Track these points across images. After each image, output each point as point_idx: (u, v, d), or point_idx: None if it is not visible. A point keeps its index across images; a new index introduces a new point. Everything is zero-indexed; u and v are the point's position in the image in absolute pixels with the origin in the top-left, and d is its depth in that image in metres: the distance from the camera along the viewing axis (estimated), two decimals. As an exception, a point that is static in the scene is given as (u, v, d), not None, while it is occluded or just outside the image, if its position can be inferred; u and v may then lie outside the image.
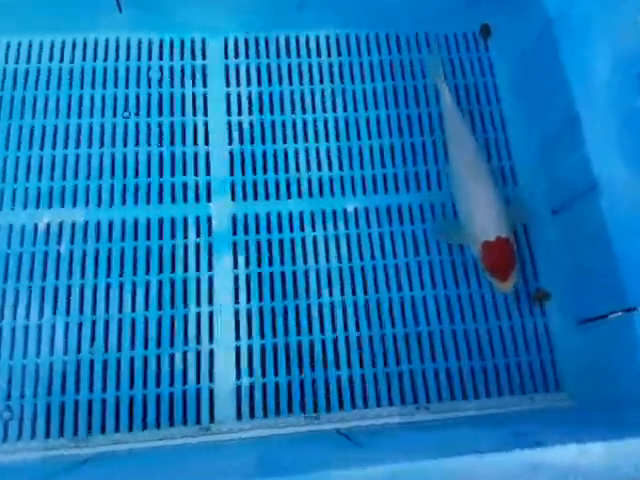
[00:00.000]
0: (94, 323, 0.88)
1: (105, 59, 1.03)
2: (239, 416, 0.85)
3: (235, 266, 0.93)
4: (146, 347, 0.88)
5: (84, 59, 1.03)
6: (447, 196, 0.99)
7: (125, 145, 0.98)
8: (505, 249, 0.87)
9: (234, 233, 0.95)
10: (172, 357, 0.87)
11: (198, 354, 0.88)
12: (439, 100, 1.02)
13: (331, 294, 0.93)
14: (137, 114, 1.00)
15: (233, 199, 0.98)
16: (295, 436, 0.78)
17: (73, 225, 0.93)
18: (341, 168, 1.01)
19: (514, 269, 0.87)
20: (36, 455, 0.81)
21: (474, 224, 0.89)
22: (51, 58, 1.02)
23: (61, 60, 1.02)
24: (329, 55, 1.08)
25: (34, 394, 0.84)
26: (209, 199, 0.97)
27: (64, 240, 0.92)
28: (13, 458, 0.81)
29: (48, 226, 0.92)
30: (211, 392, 0.86)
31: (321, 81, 1.06)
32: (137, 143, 0.99)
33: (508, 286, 0.87)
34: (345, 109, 1.04)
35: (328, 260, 0.95)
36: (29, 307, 0.88)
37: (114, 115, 1.00)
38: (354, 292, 0.93)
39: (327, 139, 1.02)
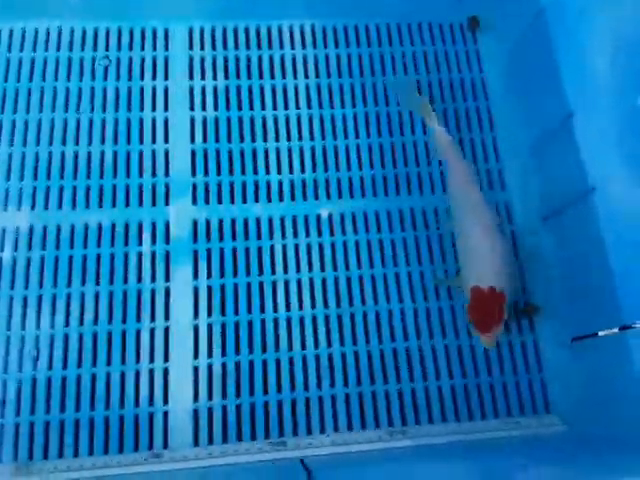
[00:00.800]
0: (37, 338, 0.80)
1: (58, 49, 0.94)
2: (196, 442, 0.77)
3: (195, 276, 0.85)
4: (94, 365, 0.79)
5: (34, 49, 0.94)
6: (428, 202, 0.91)
7: (77, 143, 0.90)
8: (492, 300, 0.77)
9: (195, 240, 0.87)
10: (123, 376, 0.79)
11: (151, 373, 0.80)
12: (431, 137, 0.89)
13: (301, 307, 0.85)
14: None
15: (194, 202, 0.89)
16: (256, 465, 0.70)
17: (17, 230, 0.84)
18: (315, 170, 0.93)
19: (498, 324, 0.77)
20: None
21: (468, 268, 0.81)
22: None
23: (9, 50, 0.94)
24: (304, 47, 1.00)
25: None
26: (167, 202, 0.89)
27: (7, 246, 0.83)
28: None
29: (-11, 231, 0.85)
30: (165, 415, 0.78)
31: (295, 75, 0.98)
32: (90, 141, 0.90)
33: (488, 340, 0.77)
34: (320, 106, 0.96)
35: (299, 270, 0.87)
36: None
37: (65, 110, 0.91)
38: (326, 305, 0.85)
39: (300, 138, 0.94)
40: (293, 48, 0.99)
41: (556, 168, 0.87)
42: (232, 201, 0.90)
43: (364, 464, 0.68)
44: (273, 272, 0.86)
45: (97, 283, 0.83)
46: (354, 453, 0.72)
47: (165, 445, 0.77)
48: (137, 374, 0.80)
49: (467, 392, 0.83)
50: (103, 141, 0.90)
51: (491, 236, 0.80)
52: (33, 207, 0.86)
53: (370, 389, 0.81)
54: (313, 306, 0.85)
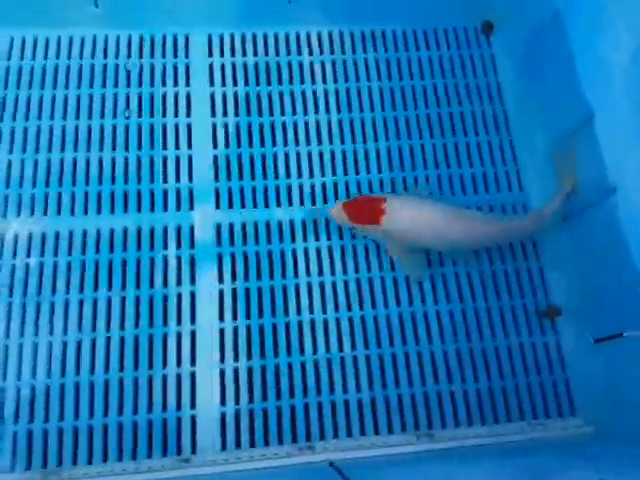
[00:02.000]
0: (65, 344, 0.81)
1: (80, 57, 0.96)
2: (224, 446, 0.77)
3: (220, 280, 0.86)
4: (122, 369, 0.80)
5: (57, 57, 0.95)
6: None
7: (101, 149, 0.90)
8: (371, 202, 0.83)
9: (219, 244, 0.88)
10: (150, 381, 0.80)
11: (179, 378, 0.80)
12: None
13: (324, 311, 0.85)
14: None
15: (217, 207, 0.90)
16: (284, 470, 0.71)
17: (43, 236, 0.85)
18: (335, 173, 0.93)
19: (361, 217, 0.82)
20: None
21: None
22: (22, 56, 0.95)
23: (33, 57, 0.95)
24: (321, 53, 1.01)
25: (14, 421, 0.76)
26: (191, 207, 0.89)
27: (33, 252, 0.84)
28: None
29: (16, 237, 0.85)
30: (193, 420, 0.79)
31: (313, 81, 0.99)
32: (114, 147, 0.91)
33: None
34: (339, 110, 0.97)
35: (321, 273, 0.87)
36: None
37: (89, 117, 0.92)
38: (349, 308, 0.86)
39: (320, 142, 0.95)
40: (311, 54, 1.00)
41: (578, 170, 0.87)
42: (254, 205, 0.91)
43: (396, 467, 0.68)
44: (296, 275, 0.87)
45: (123, 288, 0.83)
46: (383, 456, 0.72)
47: (193, 450, 0.77)
48: (164, 379, 0.80)
49: (492, 395, 0.83)
50: (127, 147, 0.91)
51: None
52: (59, 212, 0.86)
53: (396, 392, 0.81)
54: (336, 309, 0.86)
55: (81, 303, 0.82)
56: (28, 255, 0.84)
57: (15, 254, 0.84)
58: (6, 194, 0.87)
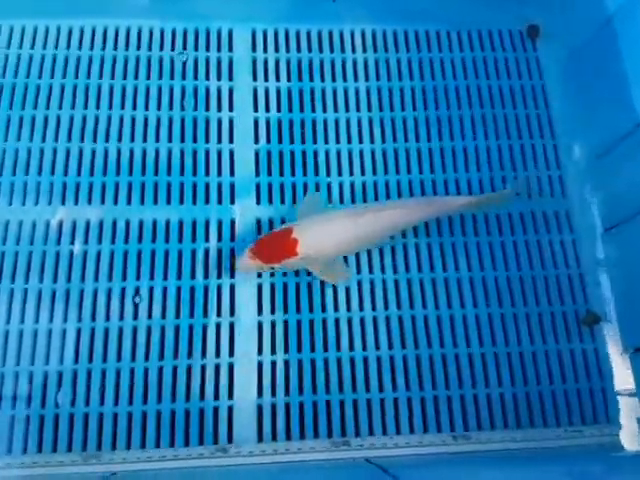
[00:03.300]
0: (107, 330, 0.82)
1: (126, 48, 0.97)
2: (260, 438, 0.78)
3: (259, 275, 0.86)
4: (162, 358, 0.81)
5: (103, 48, 0.96)
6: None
7: (145, 140, 0.92)
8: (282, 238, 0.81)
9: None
10: (189, 370, 0.81)
11: (217, 368, 0.81)
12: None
13: (361, 308, 0.86)
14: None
15: (258, 202, 0.91)
16: (323, 464, 0.71)
17: (87, 224, 0.87)
18: (375, 172, 0.94)
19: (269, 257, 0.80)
20: (41, 471, 0.75)
21: None
22: (68, 45, 0.96)
23: (79, 47, 0.96)
24: (364, 51, 1.01)
25: (41, 404, 0.78)
26: (232, 201, 0.90)
27: (77, 239, 0.86)
28: (18, 473, 0.75)
29: (60, 224, 0.86)
30: (230, 410, 0.80)
31: (355, 78, 0.99)
32: (157, 139, 0.92)
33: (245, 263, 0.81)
34: (381, 108, 0.97)
35: (359, 271, 0.87)
36: (38, 310, 0.82)
37: (134, 108, 0.94)
38: (386, 306, 0.86)
39: (360, 140, 0.95)
40: (354, 52, 1.00)
41: (622, 177, 0.87)
42: (294, 201, 0.91)
43: (433, 466, 0.69)
44: (334, 273, 0.88)
45: (165, 278, 0.84)
46: (420, 456, 0.73)
47: (230, 440, 0.78)
48: (203, 368, 0.81)
49: (529, 399, 0.83)
50: (170, 139, 0.92)
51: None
52: (103, 202, 0.88)
53: (432, 393, 0.82)
54: (373, 307, 0.86)
55: (123, 291, 0.84)
56: (72, 242, 0.86)
57: (59, 241, 0.86)
58: (51, 181, 0.88)
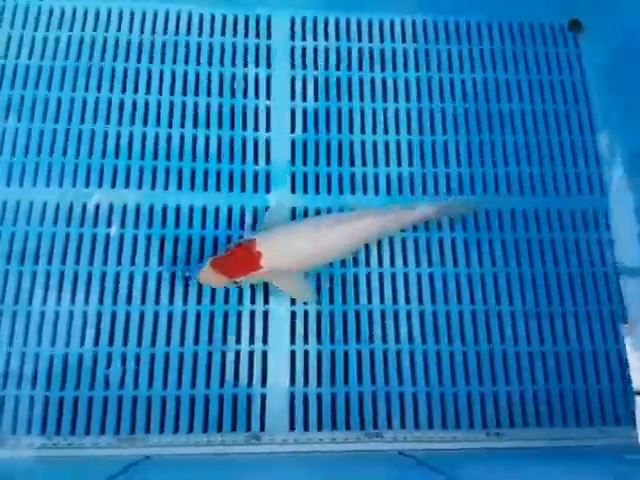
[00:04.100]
0: (142, 314, 0.82)
1: (165, 32, 0.96)
2: (292, 427, 0.79)
3: (292, 263, 0.87)
4: (196, 343, 0.81)
5: (142, 31, 0.96)
6: (530, 203, 0.90)
7: (182, 126, 0.91)
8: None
9: (301, 227, 0.89)
10: (224, 355, 0.81)
11: (251, 355, 0.82)
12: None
13: (395, 301, 0.85)
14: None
15: (293, 191, 0.90)
16: (354, 455, 0.71)
17: (124, 207, 0.87)
18: (411, 164, 0.93)
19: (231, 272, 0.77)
20: (74, 453, 0.75)
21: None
22: (119, 28, 0.95)
23: (118, 29, 0.95)
24: (404, 41, 0.99)
25: (76, 386, 0.79)
26: (268, 190, 0.90)
27: (114, 223, 0.86)
28: (53, 453, 0.75)
29: (97, 207, 0.87)
30: (263, 397, 0.80)
31: (394, 68, 0.97)
32: (195, 125, 0.92)
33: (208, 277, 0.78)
34: (419, 100, 0.96)
35: (393, 264, 0.87)
36: (74, 292, 0.82)
37: (171, 93, 0.93)
38: (421, 300, 0.85)
39: (398, 131, 0.94)
40: (394, 42, 0.99)
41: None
42: (329, 192, 0.91)
43: (467, 462, 0.68)
44: (368, 264, 0.87)
45: (200, 263, 0.85)
46: (453, 451, 0.72)
47: (262, 427, 0.78)
48: (237, 355, 0.81)
49: (562, 398, 0.82)
50: (208, 126, 0.92)
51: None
52: (140, 186, 0.88)
53: (465, 389, 0.81)
54: (407, 301, 0.85)
55: (159, 275, 0.84)
56: (109, 225, 0.86)
57: (96, 224, 0.86)
58: (89, 163, 0.89)
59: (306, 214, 0.89)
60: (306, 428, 0.78)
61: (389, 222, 0.84)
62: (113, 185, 0.88)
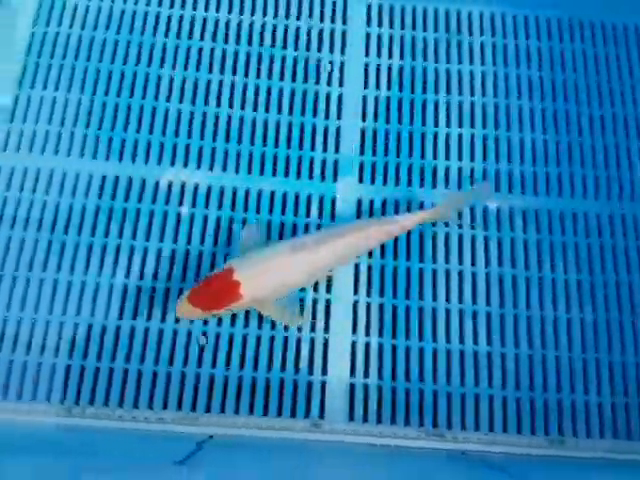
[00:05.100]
0: (207, 295, 0.84)
1: (240, 13, 0.95)
2: (351, 417, 0.79)
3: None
4: (260, 327, 0.82)
5: (217, 11, 0.96)
6: (603, 208, 0.87)
7: (255, 109, 0.91)
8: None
9: (358, 218, 0.87)
10: (286, 341, 0.82)
11: (312, 342, 0.82)
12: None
13: (461, 300, 0.84)
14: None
15: (360, 181, 0.89)
16: (418, 452, 0.71)
17: (195, 187, 0.88)
18: (485, 160, 0.91)
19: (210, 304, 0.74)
20: (136, 426, 0.77)
21: None
22: (206, 8, 0.95)
23: (194, 8, 0.95)
24: (482, 34, 0.96)
25: (155, 361, 0.79)
26: (335, 178, 0.90)
27: (185, 202, 0.87)
28: (113, 425, 0.77)
29: (170, 185, 0.88)
30: (323, 386, 0.80)
31: (471, 61, 0.95)
32: (267, 109, 0.92)
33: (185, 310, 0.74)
34: (495, 94, 0.93)
35: (461, 261, 0.86)
36: (143, 266, 0.83)
37: (246, 75, 0.93)
38: (488, 302, 0.84)
39: (472, 125, 0.92)
40: (471, 34, 0.96)
41: None
42: (397, 183, 0.89)
43: (534, 467, 0.67)
44: (434, 261, 0.86)
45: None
46: (517, 455, 0.71)
47: (321, 415, 0.79)
48: (298, 341, 0.82)
49: (628, 410, 0.80)
50: (280, 110, 0.91)
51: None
52: (211, 168, 0.88)
53: (529, 395, 0.80)
54: (474, 301, 0.84)
55: (225, 257, 0.85)
56: (180, 204, 0.87)
57: (167, 202, 0.87)
58: (162, 141, 0.89)
59: (372, 206, 0.88)
60: (365, 420, 0.79)
61: (370, 237, 0.80)
62: (185, 164, 0.89)
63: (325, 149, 0.91)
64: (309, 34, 0.95)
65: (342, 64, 0.94)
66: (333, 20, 0.97)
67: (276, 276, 0.77)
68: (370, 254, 0.85)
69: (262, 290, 0.76)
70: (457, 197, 0.85)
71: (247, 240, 0.81)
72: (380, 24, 0.96)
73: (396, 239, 0.86)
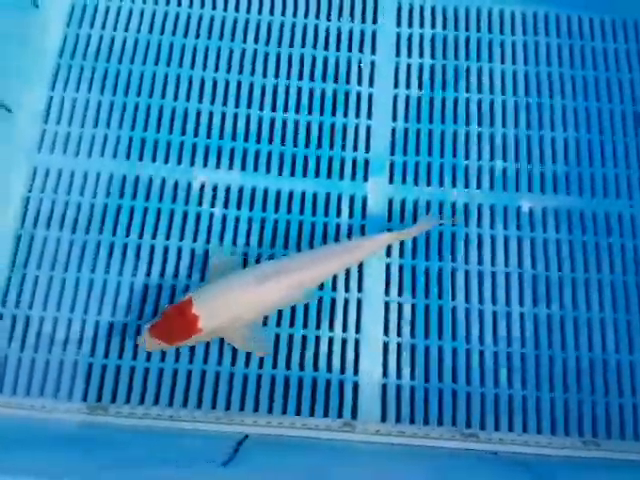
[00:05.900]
0: (239, 294, 0.84)
1: (271, 13, 0.96)
2: (384, 418, 0.79)
3: (388, 255, 0.85)
4: (292, 325, 0.82)
5: (248, 11, 0.97)
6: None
7: (285, 110, 0.91)
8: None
9: (389, 219, 0.87)
10: (317, 340, 0.82)
11: (344, 343, 0.82)
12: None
13: (494, 301, 0.84)
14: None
15: (391, 181, 0.89)
16: (453, 452, 0.71)
17: (228, 189, 0.88)
18: (517, 159, 0.90)
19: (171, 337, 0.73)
20: (171, 425, 0.77)
21: None
22: (237, 8, 0.95)
23: (225, 9, 0.96)
24: (513, 33, 0.96)
25: (189, 361, 0.80)
26: (366, 178, 0.89)
27: (218, 203, 0.87)
28: (144, 423, 0.77)
29: (202, 186, 0.89)
30: (355, 386, 0.80)
31: (502, 60, 0.94)
32: (298, 110, 0.92)
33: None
34: (527, 93, 0.93)
35: (494, 263, 0.85)
36: (177, 267, 0.84)
37: (276, 76, 0.93)
38: (521, 302, 0.84)
39: (504, 124, 0.91)
40: (502, 33, 0.95)
41: None
42: (428, 183, 0.89)
43: (569, 469, 0.67)
44: (466, 262, 0.85)
45: (298, 249, 0.85)
46: (551, 457, 0.71)
47: (353, 415, 0.79)
48: (330, 341, 0.82)
49: (664, 414, 0.79)
50: (310, 111, 0.91)
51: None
52: (243, 168, 0.89)
53: (563, 396, 0.79)
54: (507, 302, 0.83)
55: (258, 257, 0.85)
56: (212, 205, 0.87)
57: (200, 203, 0.87)
58: (194, 142, 0.90)
59: (403, 206, 0.88)
60: (398, 419, 0.79)
61: (334, 264, 0.79)
62: (217, 166, 0.89)
63: (355, 149, 0.90)
64: (339, 34, 0.96)
65: (372, 64, 0.94)
66: (364, 20, 0.97)
67: (236, 308, 0.75)
68: (401, 254, 0.86)
69: (222, 321, 0.75)
70: (427, 221, 0.84)
71: (216, 268, 0.79)
72: (410, 24, 0.96)
73: (428, 239, 0.86)
